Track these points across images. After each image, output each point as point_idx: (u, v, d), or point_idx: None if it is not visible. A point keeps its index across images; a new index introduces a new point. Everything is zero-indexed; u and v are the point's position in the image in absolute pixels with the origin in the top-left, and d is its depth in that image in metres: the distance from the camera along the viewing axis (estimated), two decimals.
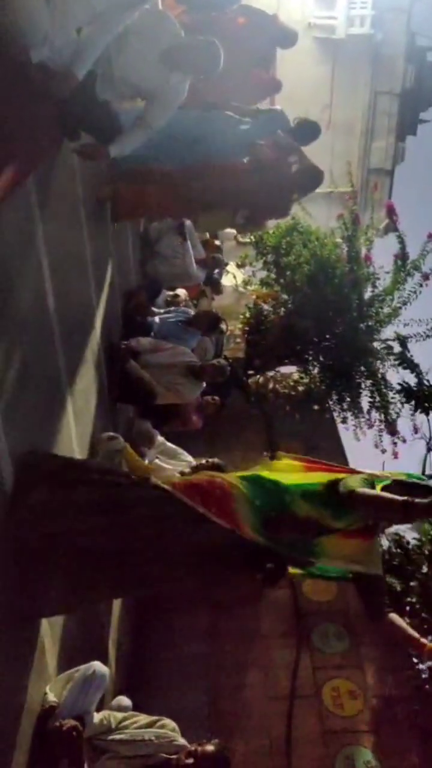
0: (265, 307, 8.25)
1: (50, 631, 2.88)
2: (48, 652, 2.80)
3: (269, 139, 4.40)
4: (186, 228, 5.81)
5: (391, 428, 7.50)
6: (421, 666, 4.59)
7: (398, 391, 6.50)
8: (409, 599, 4.72)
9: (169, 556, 2.70)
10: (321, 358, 7.91)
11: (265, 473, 2.93)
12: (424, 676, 4.51)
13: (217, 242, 7.60)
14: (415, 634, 2.97)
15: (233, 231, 8.72)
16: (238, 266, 8.68)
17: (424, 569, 4.87)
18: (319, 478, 2.91)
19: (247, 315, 8.27)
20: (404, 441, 7.08)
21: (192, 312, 5.53)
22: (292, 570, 2.95)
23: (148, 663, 4.93)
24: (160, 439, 4.85)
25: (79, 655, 3.06)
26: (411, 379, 6.60)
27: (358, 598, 3.15)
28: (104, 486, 2.69)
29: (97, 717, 2.81)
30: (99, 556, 2.63)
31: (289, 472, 3.00)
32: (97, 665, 2.79)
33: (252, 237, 8.01)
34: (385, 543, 5.72)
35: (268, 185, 4.48)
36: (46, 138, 2.86)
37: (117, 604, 4.44)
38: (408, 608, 4.80)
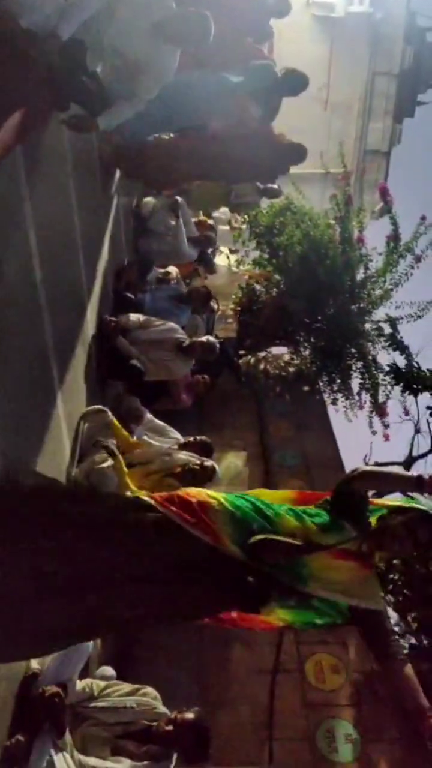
0: (258, 287, 8.24)
1: None
2: None
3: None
4: (179, 205, 5.78)
5: (381, 410, 7.54)
6: (401, 641, 4.65)
7: (387, 373, 6.52)
8: (391, 576, 4.79)
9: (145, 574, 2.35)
10: (312, 340, 7.92)
11: (251, 493, 2.70)
12: (404, 652, 4.57)
13: (210, 222, 7.56)
14: (425, 703, 2.33)
15: (227, 216, 8.68)
16: (232, 251, 8.65)
17: None
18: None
19: (239, 295, 8.26)
20: (387, 426, 7.13)
21: (183, 289, 5.52)
22: (281, 615, 2.56)
23: (134, 636, 4.99)
24: (149, 416, 4.86)
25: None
26: (401, 361, 6.63)
27: (362, 641, 2.78)
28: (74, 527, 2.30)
29: (79, 684, 2.85)
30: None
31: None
32: (109, 669, 2.84)
33: (245, 217, 7.97)
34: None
35: (254, 151, 4.46)
36: (34, 108, 2.83)
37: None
38: (391, 586, 4.87)
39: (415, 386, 5.88)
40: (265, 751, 4.43)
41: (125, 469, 3.74)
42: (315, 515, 2.54)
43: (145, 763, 2.79)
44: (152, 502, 2.47)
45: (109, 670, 3.37)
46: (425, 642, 4.50)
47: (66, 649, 2.67)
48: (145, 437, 4.64)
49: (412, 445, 6.63)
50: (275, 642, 5.17)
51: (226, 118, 4.37)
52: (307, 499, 2.76)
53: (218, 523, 2.43)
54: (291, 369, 8.61)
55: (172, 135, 4.61)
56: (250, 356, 8.48)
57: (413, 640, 4.67)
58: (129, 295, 5.02)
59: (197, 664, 4.91)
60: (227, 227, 9.02)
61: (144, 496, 2.56)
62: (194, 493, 2.55)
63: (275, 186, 7.18)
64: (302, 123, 13.18)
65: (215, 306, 7.03)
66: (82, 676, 2.96)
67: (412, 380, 5.91)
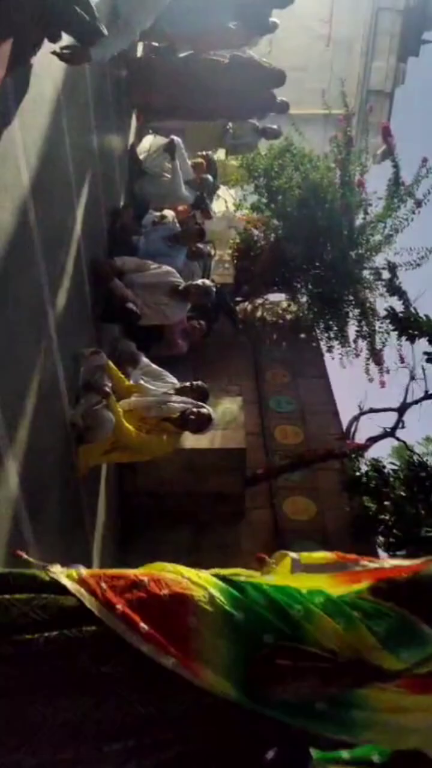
0: (255, 232, 8.14)
1: (33, 539, 3.00)
2: (32, 553, 2.92)
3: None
4: (175, 146, 5.65)
5: (377, 358, 7.57)
6: None
7: (384, 317, 6.52)
8: (382, 517, 4.91)
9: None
10: (309, 286, 7.88)
11: (263, 580, 1.81)
12: None
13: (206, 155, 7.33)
14: None
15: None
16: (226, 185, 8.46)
17: (397, 490, 5.04)
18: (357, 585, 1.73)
19: (237, 240, 8.17)
20: (387, 372, 7.16)
21: (178, 228, 5.45)
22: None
23: None
24: (145, 360, 4.87)
25: (63, 559, 3.19)
26: (398, 308, 6.60)
27: None
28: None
29: None
30: None
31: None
32: (80, 568, 2.91)
33: (244, 158, 7.80)
34: (363, 468, 5.90)
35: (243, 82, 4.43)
36: (24, 38, 2.74)
37: (102, 511, 4.59)
38: (381, 527, 5.00)
39: (411, 332, 5.88)
40: None
41: (120, 410, 3.79)
42: (374, 614, 1.61)
43: None
44: (84, 598, 1.63)
45: None
46: None
47: None
48: (141, 382, 4.66)
49: (407, 391, 6.68)
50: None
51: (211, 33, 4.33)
52: (356, 576, 1.80)
53: (200, 638, 1.58)
54: (288, 316, 8.61)
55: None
56: (247, 303, 8.46)
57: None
58: (124, 237, 4.96)
59: None
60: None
61: (69, 583, 1.70)
62: (170, 578, 1.72)
63: (274, 126, 6.99)
64: (303, 61, 12.79)
65: (212, 250, 6.95)
66: None
67: (409, 326, 5.91)
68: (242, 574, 1.87)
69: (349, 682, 1.51)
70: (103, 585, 1.68)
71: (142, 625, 1.57)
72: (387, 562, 1.89)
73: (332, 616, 1.61)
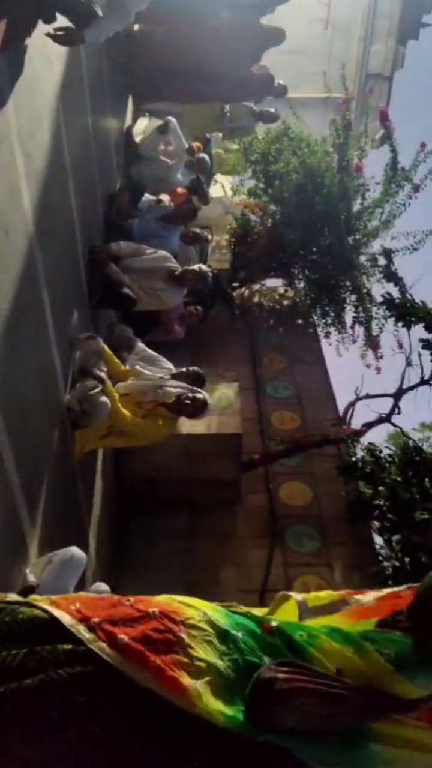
0: (252, 217, 8.10)
1: (29, 523, 3.01)
2: (28, 537, 2.94)
3: None
4: (170, 128, 5.60)
5: (374, 343, 7.58)
6: (385, 563, 4.85)
7: (381, 303, 6.52)
8: (377, 502, 4.94)
9: None
10: (306, 272, 7.86)
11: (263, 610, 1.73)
12: (387, 572, 4.78)
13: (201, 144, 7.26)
14: None
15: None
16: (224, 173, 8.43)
17: (393, 475, 5.07)
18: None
19: (234, 225, 8.13)
20: (380, 358, 7.17)
21: (171, 208, 5.42)
22: None
23: (128, 558, 5.17)
24: (141, 345, 4.87)
25: (59, 542, 3.21)
26: (395, 294, 6.60)
27: None
28: None
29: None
30: None
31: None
32: (74, 549, 2.94)
33: (241, 143, 7.74)
34: (359, 453, 5.93)
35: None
36: (17, 19, 2.71)
37: (98, 496, 4.61)
38: (376, 511, 5.03)
39: (408, 318, 5.88)
40: None
41: (116, 395, 3.79)
42: (383, 641, 1.47)
43: None
44: (60, 615, 1.47)
45: (103, 585, 3.51)
46: (408, 565, 4.69)
47: (62, 562, 2.77)
48: (137, 367, 4.67)
49: (403, 377, 6.70)
50: (264, 563, 5.39)
51: None
52: (367, 612, 1.64)
53: (191, 655, 1.43)
54: (285, 302, 8.60)
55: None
56: (244, 288, 8.44)
57: (396, 563, 4.87)
58: (120, 222, 4.94)
59: (188, 584, 5.12)
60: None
61: (48, 606, 1.54)
62: (160, 600, 1.60)
63: (271, 109, 6.93)
64: (302, 43, 12.64)
65: (209, 236, 6.92)
66: (77, 590, 3.09)
67: (405, 312, 5.91)
68: (241, 608, 1.71)
69: (360, 707, 1.32)
70: (77, 604, 1.54)
71: (121, 636, 1.43)
72: (369, 594, 1.73)
73: (339, 644, 1.46)
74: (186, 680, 1.37)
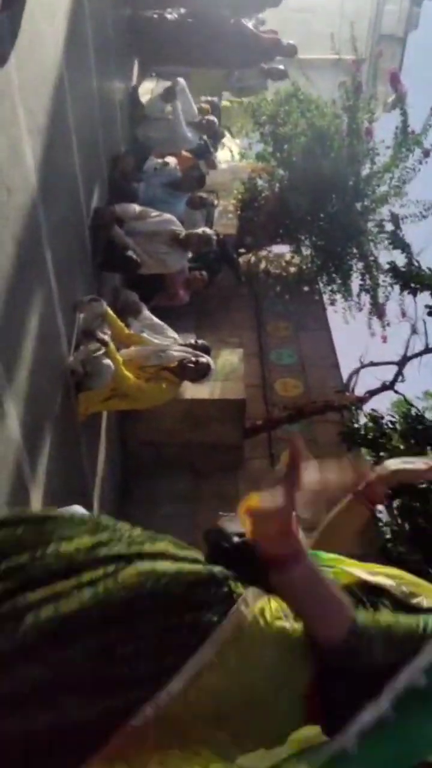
0: (260, 182, 8.00)
1: (33, 484, 3.06)
2: (32, 495, 2.99)
3: None
4: (177, 87, 5.51)
5: (380, 312, 7.55)
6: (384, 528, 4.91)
7: (387, 271, 6.47)
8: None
9: None
10: (313, 239, 7.79)
11: None
12: (387, 536, 4.85)
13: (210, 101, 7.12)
14: None
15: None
16: (232, 135, 8.28)
17: (394, 442, 5.11)
18: None
19: (241, 190, 8.03)
20: (388, 325, 7.15)
21: (179, 174, 5.36)
22: None
23: (130, 520, 5.24)
24: (147, 313, 4.87)
25: (62, 502, 3.26)
26: (402, 261, 6.54)
27: None
28: None
29: None
30: None
31: None
32: (77, 507, 2.98)
33: (250, 104, 7.60)
34: (361, 420, 5.95)
35: None
36: None
37: (101, 458, 4.67)
38: None
39: (413, 285, 5.84)
40: None
41: (119, 358, 3.81)
42: None
43: None
44: None
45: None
46: (406, 526, 4.76)
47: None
48: (144, 335, 4.68)
49: (407, 345, 6.68)
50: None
51: None
52: None
53: None
54: (291, 269, 8.53)
55: None
56: (250, 255, 8.37)
57: (395, 527, 4.93)
58: (124, 184, 4.89)
59: (190, 544, 5.19)
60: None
61: None
62: None
63: (280, 66, 6.76)
64: (312, 2, 12.31)
65: (215, 200, 6.85)
66: None
67: (411, 279, 5.87)
68: None
69: None
70: None
71: None
72: None
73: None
74: None
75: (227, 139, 8.78)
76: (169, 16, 5.51)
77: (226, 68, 5.95)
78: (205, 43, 5.16)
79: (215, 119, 6.33)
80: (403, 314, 6.90)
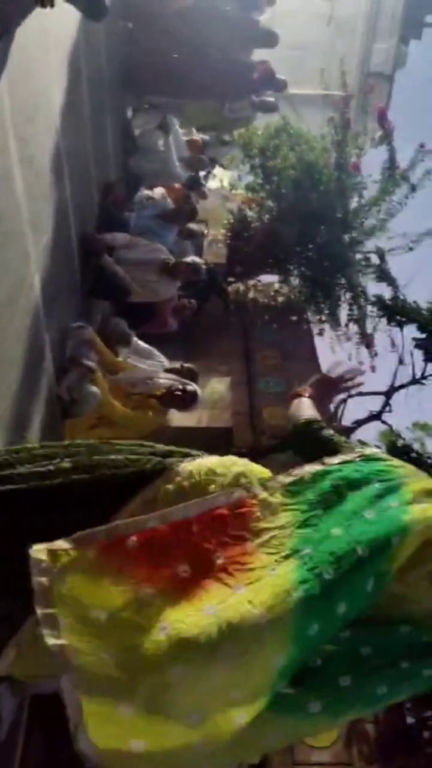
0: (249, 213, 8.10)
1: None
2: None
3: None
4: (168, 122, 5.60)
5: (368, 341, 7.59)
6: None
7: (372, 303, 6.54)
8: None
9: None
10: (302, 269, 7.87)
11: None
12: None
13: (202, 138, 7.25)
14: None
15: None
16: (223, 167, 8.42)
17: None
18: None
19: (231, 220, 8.13)
20: (376, 355, 7.20)
21: (170, 206, 5.42)
22: None
23: None
24: (134, 338, 4.88)
25: None
26: (389, 293, 6.62)
27: None
28: None
29: None
30: None
31: None
32: None
33: (239, 137, 7.73)
34: None
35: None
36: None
37: None
38: None
39: (399, 318, 5.90)
40: None
41: (106, 385, 3.79)
42: None
43: None
44: None
45: None
46: None
47: None
48: (130, 360, 4.67)
49: (394, 376, 6.71)
50: None
51: None
52: None
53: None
54: (280, 298, 8.60)
55: None
56: (239, 284, 8.43)
57: None
58: (115, 212, 4.93)
59: None
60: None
61: None
62: None
63: (271, 99, 6.90)
64: (304, 39, 12.61)
65: (204, 230, 6.92)
66: None
67: (397, 312, 5.92)
68: None
69: None
70: None
71: None
72: None
73: None
74: None
75: (218, 170, 8.92)
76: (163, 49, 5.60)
77: (220, 98, 6.05)
78: (199, 74, 5.24)
79: (204, 158, 6.44)
80: (393, 344, 6.94)
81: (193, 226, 6.12)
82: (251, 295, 8.55)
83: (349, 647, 1.37)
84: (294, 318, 8.13)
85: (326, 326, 7.90)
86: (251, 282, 8.60)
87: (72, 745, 1.16)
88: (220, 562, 1.37)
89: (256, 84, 6.07)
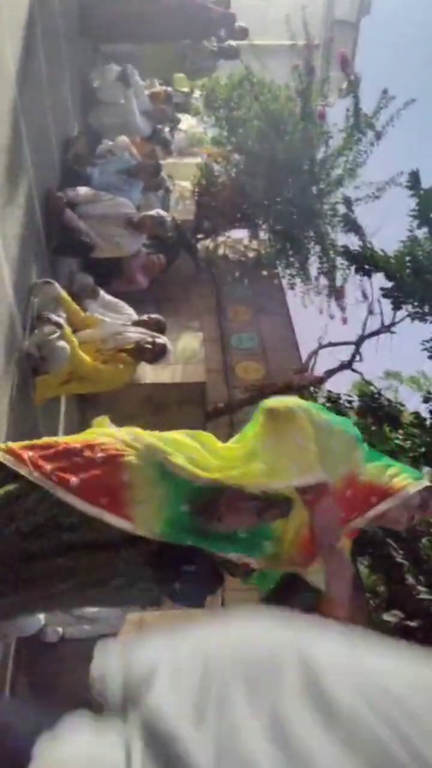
0: (216, 167, 8.01)
1: None
2: None
3: None
4: (128, 74, 5.49)
5: (339, 293, 7.64)
6: None
7: (340, 254, 6.56)
8: None
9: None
10: (271, 223, 7.84)
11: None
12: None
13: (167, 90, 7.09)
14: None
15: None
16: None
17: (351, 420, 5.22)
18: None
19: (198, 175, 8.04)
20: (344, 308, 7.26)
21: (134, 161, 5.35)
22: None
23: None
24: (101, 292, 4.85)
25: None
26: (356, 243, 6.63)
27: None
28: None
29: None
30: None
31: None
32: None
33: (203, 87, 7.60)
34: (320, 399, 6.05)
35: None
36: None
37: None
38: None
39: (367, 267, 5.94)
40: None
41: (75, 340, 3.82)
42: None
43: None
44: (8, 461, 1.81)
45: None
46: None
47: None
48: (97, 314, 4.67)
49: (364, 326, 6.78)
50: None
51: None
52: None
53: (134, 489, 1.80)
54: (250, 254, 8.59)
55: None
56: (208, 240, 8.40)
57: None
58: (77, 168, 4.86)
59: None
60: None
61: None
62: (104, 441, 1.91)
63: (232, 44, 6.76)
64: None
65: (171, 185, 6.85)
66: None
67: (365, 261, 5.96)
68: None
69: (277, 513, 1.79)
70: (31, 453, 1.82)
71: (73, 479, 1.74)
72: None
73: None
74: (133, 509, 1.78)
75: (183, 122, 8.77)
76: None
77: (178, 41, 5.91)
78: (155, 16, 5.12)
79: (168, 108, 6.33)
80: (364, 296, 6.98)
81: (162, 175, 6.03)
82: (221, 250, 8.53)
83: None
84: (265, 273, 8.15)
85: (297, 280, 7.93)
86: (221, 238, 8.57)
87: (59, 687, 1.39)
88: None
89: (214, 24, 5.93)
